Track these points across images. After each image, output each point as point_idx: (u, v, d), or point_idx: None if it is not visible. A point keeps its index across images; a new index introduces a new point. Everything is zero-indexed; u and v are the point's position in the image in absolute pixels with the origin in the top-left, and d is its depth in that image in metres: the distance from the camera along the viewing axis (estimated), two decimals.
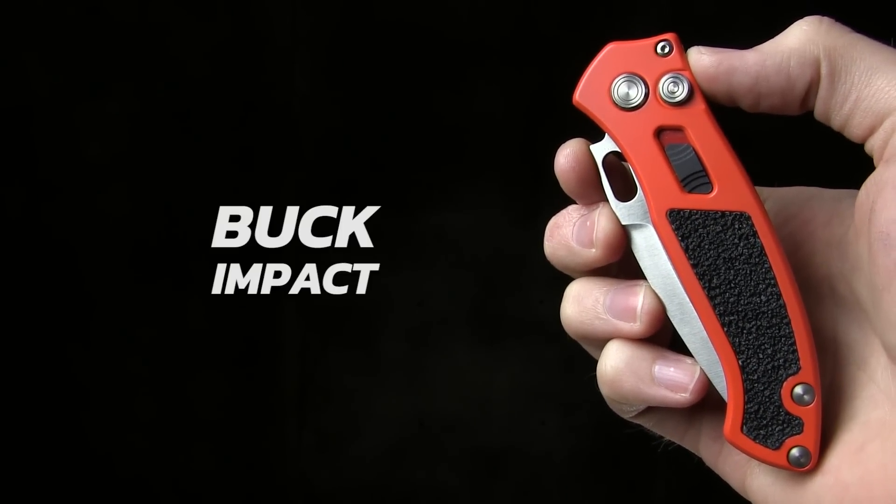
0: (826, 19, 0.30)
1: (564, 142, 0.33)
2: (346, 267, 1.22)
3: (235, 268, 1.21)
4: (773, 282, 0.30)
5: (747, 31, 1.32)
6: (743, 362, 0.30)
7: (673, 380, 0.30)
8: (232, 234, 1.21)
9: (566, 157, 0.31)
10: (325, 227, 1.22)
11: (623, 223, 0.31)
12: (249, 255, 1.21)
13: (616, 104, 0.32)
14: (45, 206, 1.18)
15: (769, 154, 1.27)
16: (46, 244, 1.18)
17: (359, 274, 1.22)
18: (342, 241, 1.22)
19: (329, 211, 1.22)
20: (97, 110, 1.19)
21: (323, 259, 1.22)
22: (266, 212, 1.22)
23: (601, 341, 0.32)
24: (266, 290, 1.21)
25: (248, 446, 1.21)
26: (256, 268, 1.21)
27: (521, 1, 1.26)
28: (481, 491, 1.23)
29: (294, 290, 1.21)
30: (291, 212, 1.22)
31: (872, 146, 0.28)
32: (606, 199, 0.31)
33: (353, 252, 1.22)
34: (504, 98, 1.23)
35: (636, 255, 0.31)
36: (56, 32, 1.19)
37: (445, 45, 1.24)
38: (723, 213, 0.30)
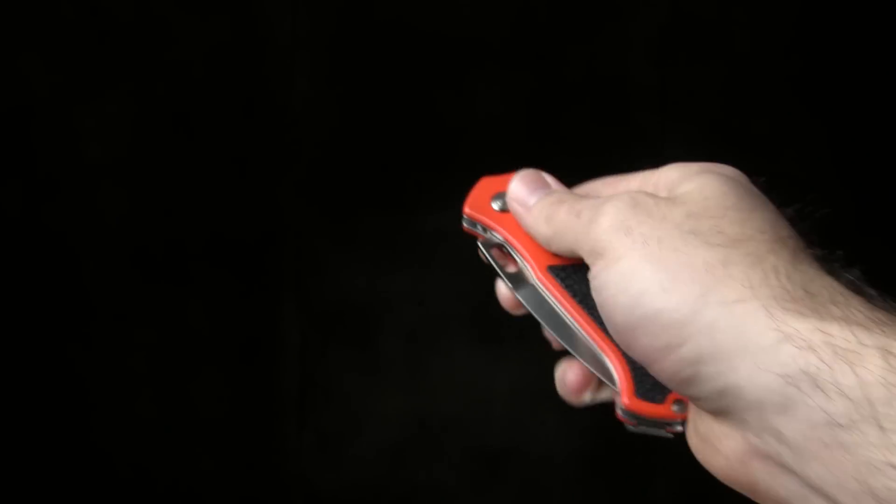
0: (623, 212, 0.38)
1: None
2: (346, 267, 1.22)
3: (235, 268, 1.21)
4: None
5: (746, 31, 1.32)
6: (623, 352, 0.41)
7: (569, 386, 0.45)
8: (232, 234, 1.21)
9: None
10: (325, 226, 1.22)
11: (511, 287, 0.45)
12: (249, 254, 1.21)
13: (495, 210, 0.45)
14: (45, 206, 1.18)
15: (769, 154, 1.27)
16: (46, 244, 1.18)
17: (359, 274, 1.22)
18: (342, 241, 1.22)
19: (329, 211, 1.22)
20: (97, 110, 1.19)
21: (323, 259, 1.22)
22: (266, 212, 1.22)
23: None
24: (266, 290, 1.21)
25: (248, 446, 1.21)
26: (256, 268, 1.21)
27: (521, 1, 1.26)
28: (481, 491, 1.23)
29: (294, 290, 1.21)
30: (292, 212, 1.22)
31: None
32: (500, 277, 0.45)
33: (353, 252, 1.22)
34: (504, 98, 1.23)
35: (528, 308, 0.44)
36: (56, 32, 1.19)
37: (446, 46, 1.24)
38: (583, 263, 0.40)
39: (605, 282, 0.36)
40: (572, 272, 0.42)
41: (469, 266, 1.31)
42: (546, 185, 0.43)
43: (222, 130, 1.21)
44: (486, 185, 0.46)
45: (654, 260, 0.35)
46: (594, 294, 0.38)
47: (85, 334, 1.18)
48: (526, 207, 0.43)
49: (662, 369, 0.35)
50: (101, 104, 1.19)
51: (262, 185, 1.22)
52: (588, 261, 0.38)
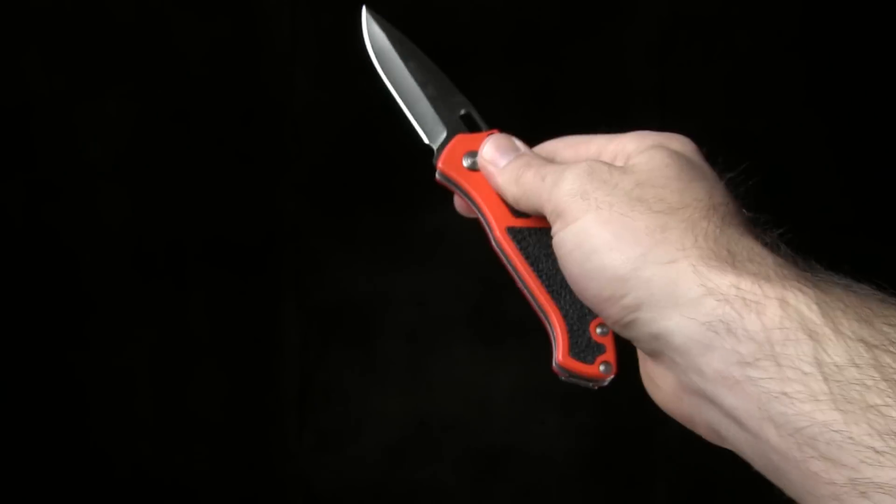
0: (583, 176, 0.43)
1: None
2: (346, 267, 1.22)
3: (235, 268, 1.21)
4: None
5: (746, 31, 1.32)
6: (564, 314, 0.47)
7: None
8: (232, 234, 1.21)
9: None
10: (324, 226, 1.22)
11: None
12: (249, 254, 1.21)
13: (466, 168, 0.49)
14: (45, 206, 1.18)
15: (769, 154, 1.27)
16: (46, 244, 1.18)
17: (359, 274, 1.22)
18: (342, 241, 1.22)
19: (329, 211, 1.22)
20: (97, 110, 1.19)
21: (323, 259, 1.22)
22: (266, 212, 1.22)
23: None
24: (266, 290, 1.21)
25: (248, 446, 1.21)
26: (256, 268, 1.21)
27: (521, 2, 1.26)
28: (481, 491, 1.23)
29: (294, 290, 1.21)
30: (292, 212, 1.22)
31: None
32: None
33: (353, 252, 1.22)
34: (504, 98, 1.23)
35: None
36: (56, 32, 1.19)
37: (446, 46, 1.24)
38: (539, 228, 0.47)
39: (563, 239, 0.42)
40: (528, 235, 0.47)
41: (469, 266, 1.32)
42: (515, 149, 0.48)
43: (222, 130, 1.21)
44: (460, 142, 0.50)
45: (605, 222, 0.41)
46: (555, 249, 0.43)
47: (84, 334, 1.18)
48: (497, 168, 0.47)
49: (609, 315, 0.41)
50: (101, 104, 1.19)
51: (262, 185, 1.22)
52: (549, 220, 0.44)
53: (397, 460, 1.22)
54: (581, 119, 1.23)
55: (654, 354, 0.41)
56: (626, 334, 0.42)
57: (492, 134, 0.49)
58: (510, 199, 0.47)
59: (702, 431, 0.42)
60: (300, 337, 1.22)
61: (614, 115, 1.25)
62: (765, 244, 0.40)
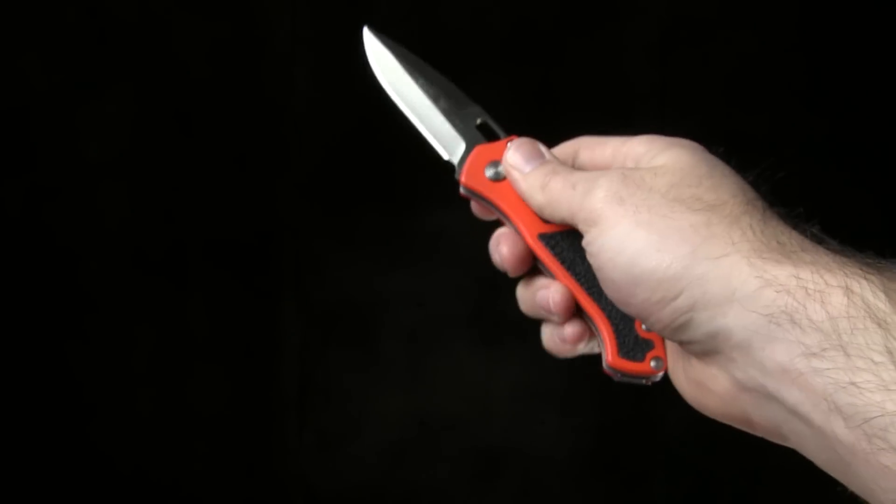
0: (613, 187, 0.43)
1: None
2: (346, 267, 1.22)
3: (235, 268, 1.21)
4: None
5: (746, 31, 1.32)
6: (608, 315, 0.46)
7: (570, 336, 0.47)
8: (232, 234, 1.21)
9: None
10: (324, 226, 1.22)
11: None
12: (249, 254, 1.21)
13: (490, 179, 0.48)
14: (45, 205, 1.18)
15: (769, 154, 1.27)
16: (46, 244, 1.18)
17: (359, 274, 1.22)
18: (342, 241, 1.22)
19: (329, 211, 1.22)
20: (97, 110, 1.19)
21: (323, 259, 1.22)
22: (266, 211, 1.22)
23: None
24: (266, 290, 1.21)
25: (248, 446, 1.21)
26: (256, 268, 1.21)
27: (521, 2, 1.26)
28: (481, 491, 1.23)
29: (294, 290, 1.21)
30: (292, 212, 1.22)
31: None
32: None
33: (353, 252, 1.22)
34: (504, 98, 1.23)
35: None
36: (56, 32, 1.19)
37: (446, 46, 1.24)
38: (571, 230, 0.45)
39: (603, 246, 0.41)
40: (560, 240, 0.47)
41: (469, 266, 1.32)
42: (540, 154, 0.47)
43: (222, 130, 1.21)
44: (480, 153, 0.49)
45: (646, 225, 0.40)
46: (591, 258, 0.43)
47: (84, 334, 1.18)
48: (522, 175, 0.46)
49: (659, 319, 0.40)
50: (101, 104, 1.19)
51: (262, 185, 1.22)
52: (582, 228, 0.43)
53: (397, 460, 1.22)
54: (581, 119, 1.23)
55: (708, 355, 0.40)
56: (677, 338, 0.41)
57: (512, 140, 0.48)
58: (535, 207, 0.46)
59: (760, 431, 0.41)
60: (300, 337, 1.22)
61: (614, 115, 1.25)
62: (811, 235, 0.40)
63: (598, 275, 0.43)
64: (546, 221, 0.47)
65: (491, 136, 0.51)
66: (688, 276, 0.39)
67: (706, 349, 0.40)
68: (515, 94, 1.23)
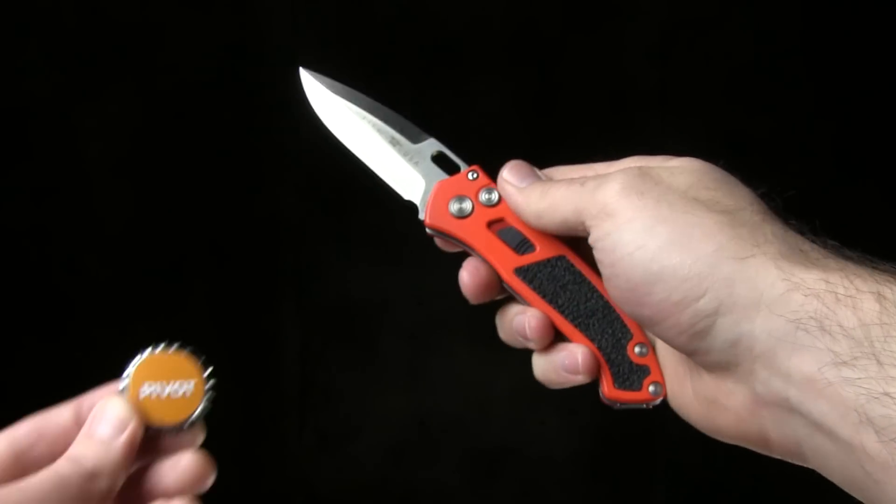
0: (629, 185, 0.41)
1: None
2: (346, 267, 1.22)
3: (235, 268, 1.21)
4: (593, 289, 0.45)
5: (746, 31, 1.32)
6: (598, 345, 0.45)
7: (568, 366, 0.45)
8: (232, 234, 1.21)
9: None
10: (325, 226, 1.22)
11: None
12: (249, 254, 1.21)
13: (455, 216, 0.48)
14: (45, 205, 1.18)
15: (769, 154, 1.27)
16: (46, 244, 1.18)
17: (359, 274, 1.22)
18: (342, 241, 1.22)
19: (329, 211, 1.22)
20: (97, 110, 1.19)
21: (323, 259, 1.22)
22: (266, 211, 1.22)
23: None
24: (266, 290, 1.21)
25: (248, 446, 1.21)
26: (256, 268, 1.21)
27: (521, 2, 1.26)
28: (481, 491, 1.23)
29: (294, 289, 1.21)
30: (291, 212, 1.22)
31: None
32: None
33: (353, 252, 1.22)
34: (504, 98, 1.23)
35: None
36: (56, 32, 1.19)
37: (446, 46, 1.24)
38: (548, 260, 0.45)
39: (619, 241, 0.39)
40: (538, 271, 0.46)
41: None
42: (535, 174, 0.46)
43: (222, 130, 1.21)
44: (441, 190, 0.48)
45: (667, 220, 0.38)
46: (601, 254, 0.40)
47: (84, 334, 1.18)
48: (517, 189, 0.45)
49: (676, 323, 0.38)
50: (101, 104, 1.19)
51: (262, 185, 1.22)
52: (590, 224, 0.41)
53: (397, 460, 1.22)
54: (581, 119, 1.23)
55: (724, 367, 0.38)
56: (693, 345, 0.38)
57: (473, 169, 0.48)
58: (530, 214, 0.44)
59: (778, 451, 0.38)
60: (300, 337, 1.21)
61: (614, 114, 1.25)
62: (830, 246, 0.38)
63: (608, 272, 0.40)
64: (525, 251, 0.45)
65: (449, 168, 0.49)
66: (713, 276, 0.37)
67: (723, 360, 0.37)
68: (515, 94, 1.23)
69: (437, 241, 0.49)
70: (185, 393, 0.45)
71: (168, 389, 0.45)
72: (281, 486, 1.21)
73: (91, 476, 0.39)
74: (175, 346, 0.47)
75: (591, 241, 0.41)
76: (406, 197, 0.51)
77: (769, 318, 0.35)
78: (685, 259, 0.37)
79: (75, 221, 1.19)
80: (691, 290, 0.37)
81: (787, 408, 0.36)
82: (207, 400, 0.45)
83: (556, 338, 0.46)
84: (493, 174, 0.49)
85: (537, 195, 0.44)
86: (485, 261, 0.47)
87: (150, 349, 0.48)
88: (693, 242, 0.37)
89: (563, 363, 0.45)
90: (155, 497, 0.42)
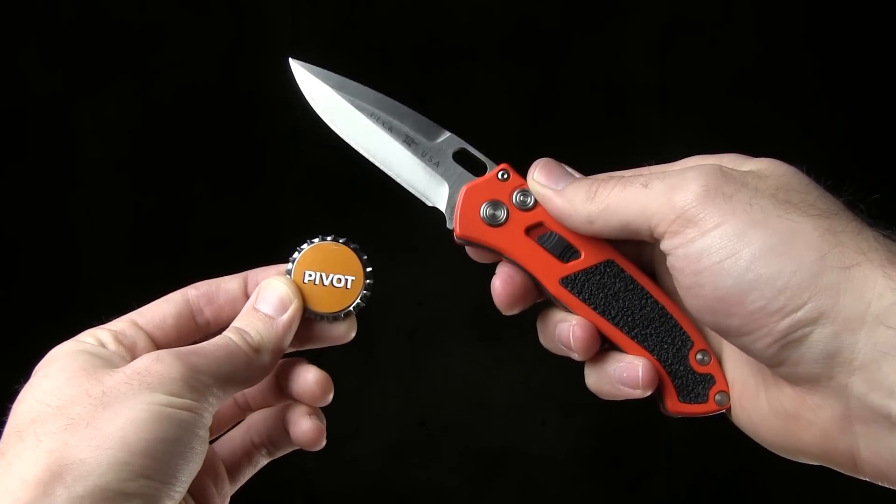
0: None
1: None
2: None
3: (235, 268, 1.21)
4: (648, 295, 0.41)
5: (746, 31, 1.31)
6: (657, 356, 0.41)
7: (627, 381, 0.41)
8: (232, 233, 1.21)
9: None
10: (324, 226, 1.22)
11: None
12: (249, 254, 1.21)
13: (488, 224, 0.42)
14: (46, 205, 1.18)
15: (768, 154, 1.27)
16: (46, 243, 1.18)
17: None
18: (342, 241, 1.22)
19: (328, 210, 1.22)
20: (96, 109, 1.19)
21: None
22: (266, 211, 1.22)
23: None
24: None
25: None
26: (256, 267, 1.21)
27: (522, 1, 1.26)
28: (481, 491, 1.23)
29: None
30: (292, 211, 1.22)
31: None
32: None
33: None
34: (504, 98, 1.23)
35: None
36: (56, 32, 1.19)
37: (446, 46, 1.24)
38: (595, 266, 0.41)
39: (705, 248, 0.36)
40: (584, 279, 0.41)
41: (469, 266, 1.31)
42: (569, 174, 0.41)
43: (222, 130, 1.21)
44: (470, 194, 0.42)
45: (761, 225, 0.35)
46: (680, 262, 0.37)
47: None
48: (556, 191, 0.40)
49: (769, 333, 0.35)
50: (100, 103, 1.19)
51: (261, 185, 1.22)
52: (669, 229, 0.37)
53: (397, 460, 1.22)
54: (581, 119, 1.23)
55: (813, 380, 0.35)
56: (783, 356, 0.35)
57: (503, 167, 0.42)
58: (579, 220, 0.40)
59: (868, 471, 0.35)
60: None
61: (614, 114, 1.25)
62: None
63: (690, 281, 0.36)
64: (570, 258, 0.41)
65: (475, 167, 0.43)
66: (816, 286, 0.34)
67: (814, 372, 0.35)
68: (515, 93, 1.23)
69: (469, 252, 0.44)
70: (345, 284, 0.47)
71: (330, 279, 0.47)
72: (281, 486, 1.21)
73: (256, 349, 0.42)
74: (343, 240, 0.49)
75: (665, 247, 0.37)
76: (429, 203, 0.45)
77: (876, 329, 0.33)
78: (785, 267, 0.34)
79: (75, 220, 1.19)
80: (791, 299, 0.34)
81: (888, 425, 0.34)
82: (364, 296, 0.47)
83: (602, 343, 0.42)
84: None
85: (582, 197, 0.39)
86: (524, 270, 0.42)
87: (318, 238, 0.49)
88: (792, 249, 0.35)
89: (622, 376, 0.41)
90: (282, 400, 0.47)
